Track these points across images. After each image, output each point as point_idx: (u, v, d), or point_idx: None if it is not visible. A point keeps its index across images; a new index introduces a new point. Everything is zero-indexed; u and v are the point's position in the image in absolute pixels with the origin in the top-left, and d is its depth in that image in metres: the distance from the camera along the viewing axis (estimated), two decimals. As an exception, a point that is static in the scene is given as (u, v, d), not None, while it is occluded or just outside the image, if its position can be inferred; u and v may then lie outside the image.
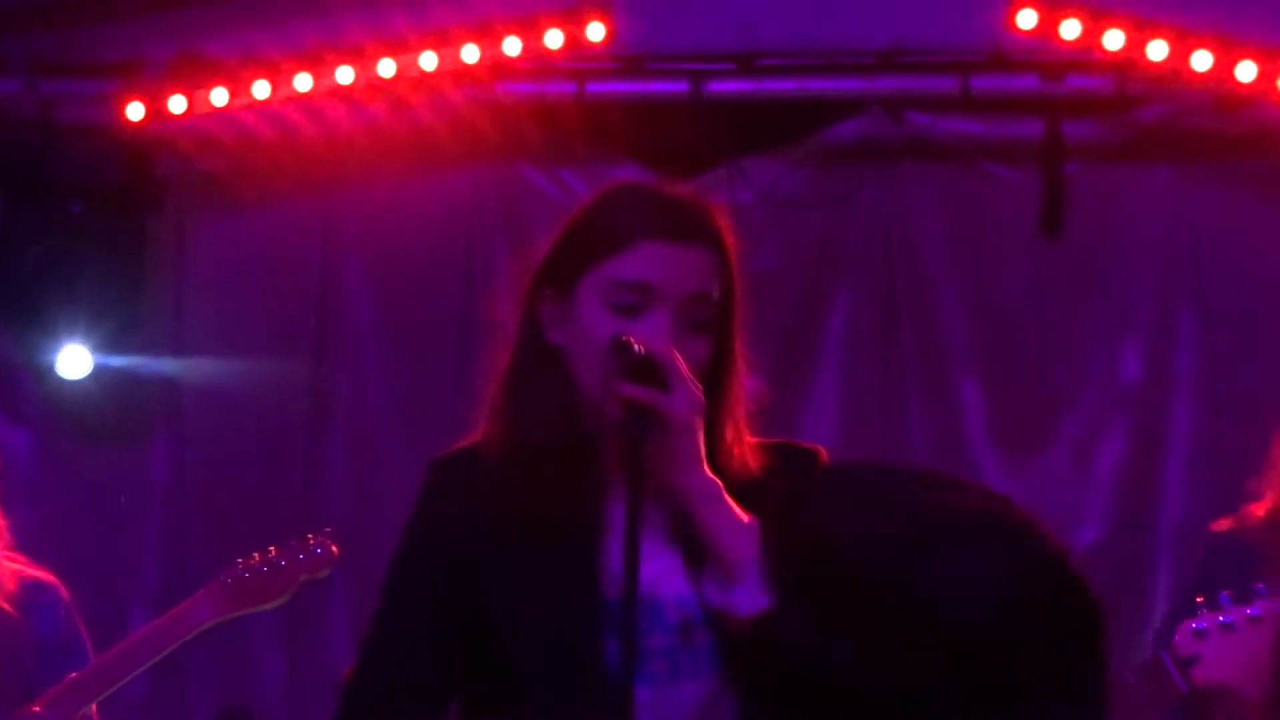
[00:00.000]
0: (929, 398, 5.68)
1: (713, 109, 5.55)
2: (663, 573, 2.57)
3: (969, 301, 5.69)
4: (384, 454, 5.74)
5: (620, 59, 5.56)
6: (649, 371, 2.49)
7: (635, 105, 5.59)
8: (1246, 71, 5.23)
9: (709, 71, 5.53)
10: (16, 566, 4.11)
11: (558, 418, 2.59)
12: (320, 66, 5.50)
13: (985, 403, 5.67)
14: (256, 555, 4.13)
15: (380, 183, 5.78)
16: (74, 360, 5.62)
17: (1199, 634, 3.25)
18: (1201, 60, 5.24)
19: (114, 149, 5.61)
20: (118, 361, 5.68)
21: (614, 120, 5.58)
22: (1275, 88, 5.25)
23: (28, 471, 5.68)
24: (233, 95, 5.54)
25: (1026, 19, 5.29)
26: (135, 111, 5.54)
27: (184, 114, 5.56)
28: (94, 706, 4.05)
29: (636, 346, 2.50)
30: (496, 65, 5.50)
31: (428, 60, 5.48)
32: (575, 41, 5.47)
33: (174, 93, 5.54)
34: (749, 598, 2.44)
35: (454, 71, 5.50)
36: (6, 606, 4.04)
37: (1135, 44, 5.26)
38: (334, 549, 4.15)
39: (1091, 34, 5.28)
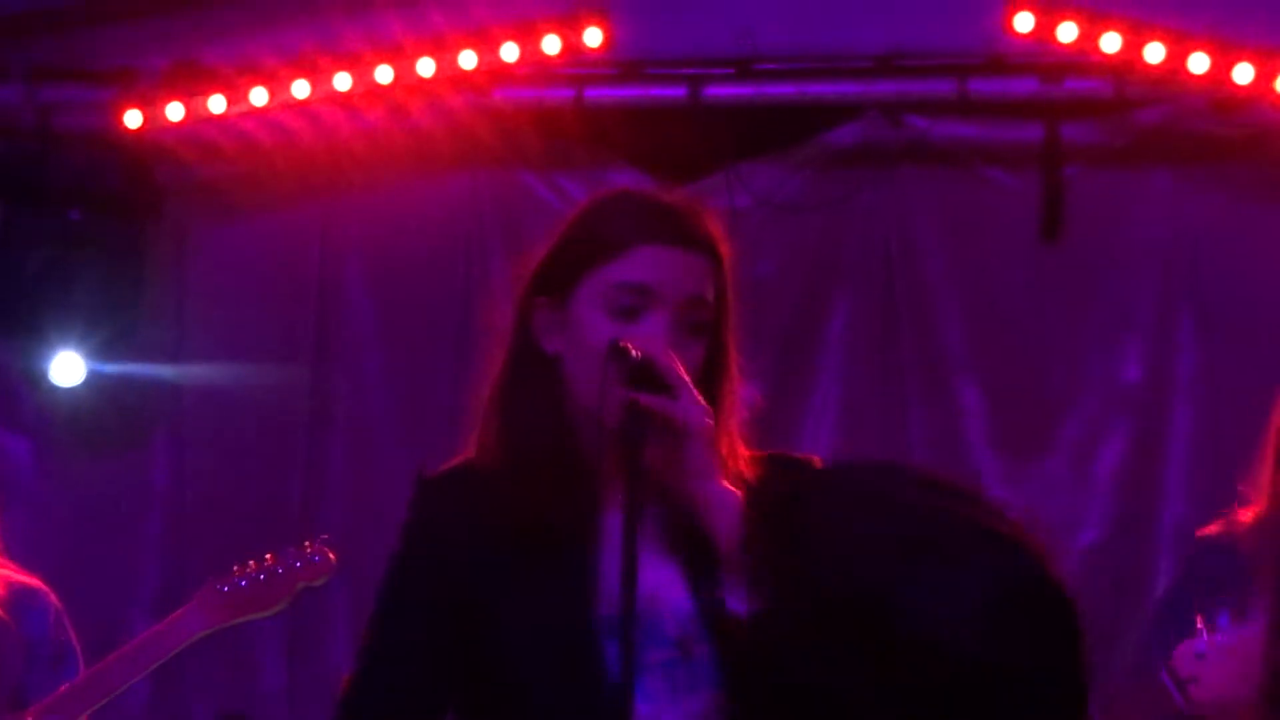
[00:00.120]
0: (929, 402, 5.67)
1: (711, 114, 5.54)
2: (662, 585, 2.53)
3: (968, 305, 5.68)
4: (384, 458, 5.73)
5: (618, 64, 5.55)
6: (648, 376, 2.47)
7: (633, 110, 5.59)
8: (1244, 73, 5.23)
9: (707, 76, 5.52)
10: (6, 572, 4.10)
11: (552, 426, 2.57)
12: (318, 73, 5.50)
13: (985, 406, 5.66)
14: (253, 563, 4.11)
15: (379, 189, 5.77)
16: (67, 367, 5.62)
17: (1200, 657, 3.28)
18: (1199, 62, 5.24)
19: (113, 156, 5.61)
20: (113, 368, 5.68)
21: (612, 125, 5.58)
22: (1273, 89, 5.25)
23: (28, 479, 5.68)
24: (231, 102, 5.55)
25: (1024, 22, 5.29)
26: (134, 119, 5.54)
27: (182, 121, 5.56)
28: (85, 718, 4.04)
29: (634, 351, 2.47)
30: (494, 71, 5.50)
31: (426, 66, 5.48)
32: (573, 47, 5.46)
33: (172, 100, 5.54)
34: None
35: (452, 77, 5.50)
36: (-4, 611, 4.04)
37: (1133, 46, 5.26)
38: (331, 557, 4.13)
39: (1089, 37, 5.27)
